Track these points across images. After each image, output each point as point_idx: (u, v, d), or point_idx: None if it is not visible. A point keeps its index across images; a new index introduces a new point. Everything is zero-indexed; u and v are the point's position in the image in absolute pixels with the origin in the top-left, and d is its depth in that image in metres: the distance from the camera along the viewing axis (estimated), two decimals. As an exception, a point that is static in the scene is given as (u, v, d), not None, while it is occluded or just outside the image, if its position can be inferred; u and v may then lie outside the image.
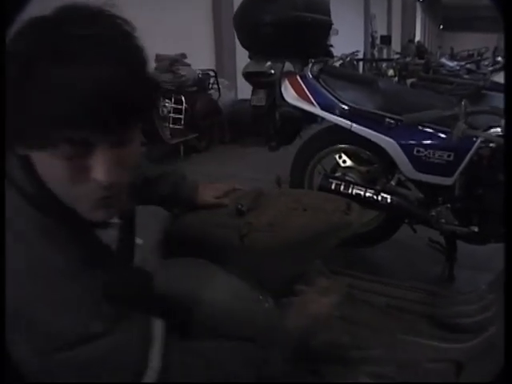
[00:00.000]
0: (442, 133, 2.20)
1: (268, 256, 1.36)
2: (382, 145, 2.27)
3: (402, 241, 2.73)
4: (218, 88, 6.09)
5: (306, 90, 2.36)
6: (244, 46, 2.52)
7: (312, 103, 2.34)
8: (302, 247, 1.37)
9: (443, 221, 2.24)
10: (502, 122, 2.05)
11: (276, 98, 2.44)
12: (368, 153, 2.45)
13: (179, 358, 0.80)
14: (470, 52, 9.61)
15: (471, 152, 2.14)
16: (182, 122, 5.36)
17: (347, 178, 2.46)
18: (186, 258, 1.33)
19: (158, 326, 0.81)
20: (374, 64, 11.00)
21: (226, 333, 1.02)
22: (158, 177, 1.38)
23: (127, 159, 0.73)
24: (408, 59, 7.43)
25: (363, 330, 1.57)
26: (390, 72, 8.71)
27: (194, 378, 0.82)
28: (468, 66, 6.34)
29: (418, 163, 2.24)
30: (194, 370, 0.82)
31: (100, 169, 0.69)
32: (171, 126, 5.29)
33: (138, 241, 1.12)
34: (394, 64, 8.26)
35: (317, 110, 2.34)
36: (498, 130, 2.12)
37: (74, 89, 0.63)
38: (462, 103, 2.00)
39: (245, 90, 3.76)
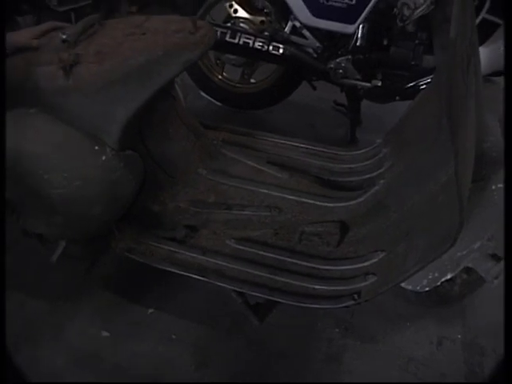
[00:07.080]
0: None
1: (98, 92, 1.08)
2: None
3: (305, 103, 2.49)
4: None
5: None
6: None
7: None
8: (137, 76, 1.09)
9: (342, 73, 1.98)
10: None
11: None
12: (261, -1, 2.11)
13: None
14: None
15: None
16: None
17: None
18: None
19: None
20: None
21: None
22: None
23: None
24: None
25: (233, 188, 1.35)
26: None
27: None
28: None
29: (316, 7, 1.93)
30: None
31: None
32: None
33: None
34: None
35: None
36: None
37: None
38: None
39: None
